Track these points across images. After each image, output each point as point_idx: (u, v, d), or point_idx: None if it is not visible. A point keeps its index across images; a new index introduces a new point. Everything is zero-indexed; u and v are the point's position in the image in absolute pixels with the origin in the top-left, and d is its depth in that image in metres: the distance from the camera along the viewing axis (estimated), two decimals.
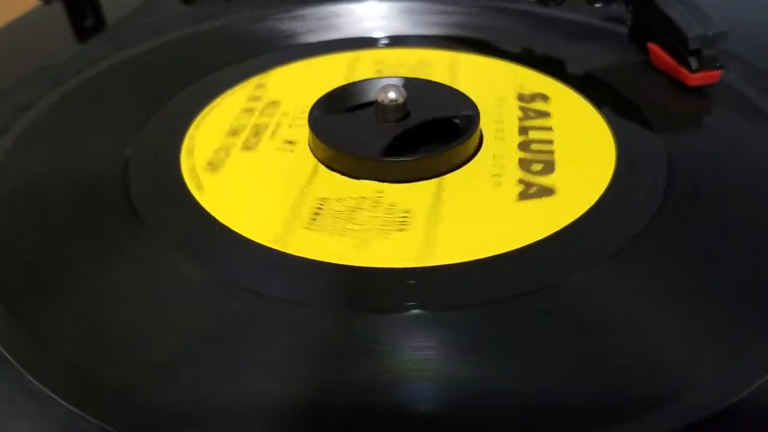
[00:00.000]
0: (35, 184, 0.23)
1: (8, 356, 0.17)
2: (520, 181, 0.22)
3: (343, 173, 0.23)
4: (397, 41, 0.31)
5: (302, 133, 0.25)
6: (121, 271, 0.20)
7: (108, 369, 0.17)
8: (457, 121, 0.24)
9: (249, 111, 0.27)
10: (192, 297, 0.19)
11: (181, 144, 0.25)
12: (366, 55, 0.30)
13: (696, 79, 0.26)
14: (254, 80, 0.29)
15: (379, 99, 0.24)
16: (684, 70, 0.26)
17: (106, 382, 0.17)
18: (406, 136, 0.24)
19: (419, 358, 0.17)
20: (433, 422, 0.16)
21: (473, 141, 0.24)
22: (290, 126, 0.26)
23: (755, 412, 0.16)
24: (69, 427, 0.16)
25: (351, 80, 0.27)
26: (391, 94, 0.24)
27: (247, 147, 0.25)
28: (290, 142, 0.25)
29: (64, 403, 0.16)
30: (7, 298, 0.19)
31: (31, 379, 0.17)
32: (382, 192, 0.22)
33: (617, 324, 0.18)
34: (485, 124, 0.25)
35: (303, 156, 0.24)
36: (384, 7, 0.34)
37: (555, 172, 0.22)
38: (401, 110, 0.24)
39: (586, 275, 0.19)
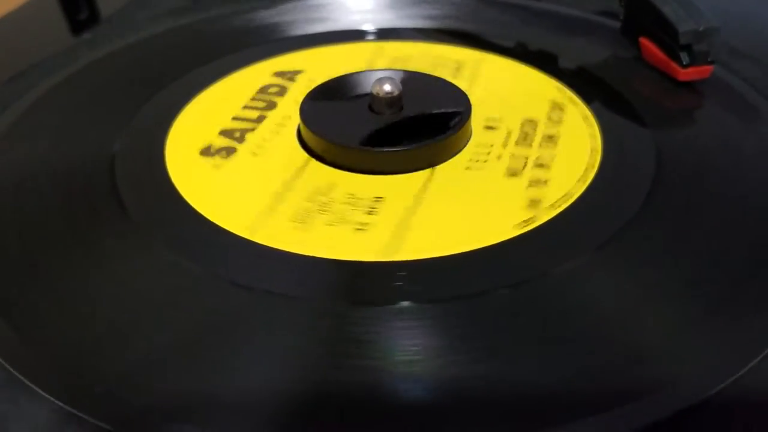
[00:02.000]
0: (22, 179, 0.23)
1: None
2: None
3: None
4: (425, 35, 0.31)
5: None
6: (96, 258, 0.20)
7: (95, 362, 0.17)
8: (447, 115, 0.24)
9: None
10: (152, 278, 0.19)
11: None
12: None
13: (687, 74, 0.26)
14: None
15: (374, 91, 0.24)
16: (675, 65, 0.26)
17: (93, 376, 0.17)
18: (396, 129, 0.24)
19: (361, 349, 0.17)
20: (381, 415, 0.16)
21: (458, 136, 0.24)
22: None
23: (740, 401, 0.16)
24: (61, 424, 0.16)
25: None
26: (387, 87, 0.24)
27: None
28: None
29: (55, 401, 0.16)
30: None
31: (20, 377, 0.17)
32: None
33: (573, 320, 0.18)
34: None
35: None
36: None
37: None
38: (395, 103, 0.24)
39: (559, 271, 0.19)
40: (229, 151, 0.24)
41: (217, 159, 0.24)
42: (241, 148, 0.24)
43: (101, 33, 0.33)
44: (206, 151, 0.24)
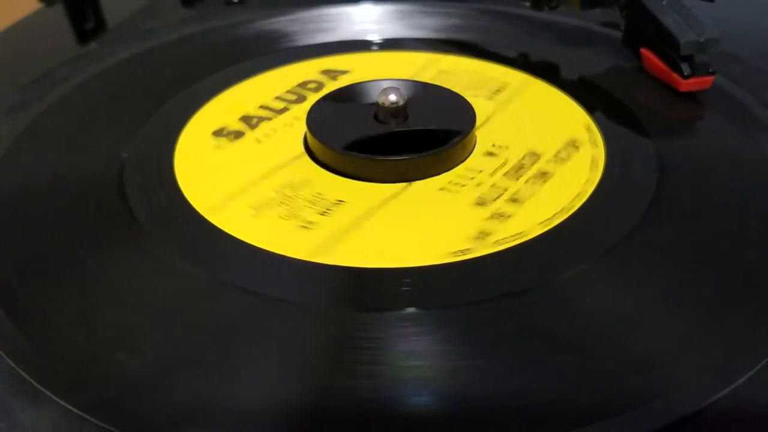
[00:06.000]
0: (31, 186, 0.24)
1: (6, 357, 0.18)
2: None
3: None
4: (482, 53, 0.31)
5: None
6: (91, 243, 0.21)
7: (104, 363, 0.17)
8: (448, 133, 0.24)
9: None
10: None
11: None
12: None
13: (688, 85, 0.26)
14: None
15: (380, 100, 0.24)
16: (676, 76, 0.26)
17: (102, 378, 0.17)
18: (392, 139, 0.24)
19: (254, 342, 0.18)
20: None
21: (437, 157, 0.23)
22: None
23: (741, 409, 0.16)
24: (69, 427, 0.16)
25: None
26: (392, 97, 0.24)
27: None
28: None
29: (64, 404, 0.16)
30: (4, 299, 0.19)
31: (29, 379, 0.17)
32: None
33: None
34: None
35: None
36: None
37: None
38: (400, 113, 0.24)
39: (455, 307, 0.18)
40: (238, 135, 0.26)
41: (223, 140, 0.25)
42: (250, 134, 0.26)
43: (108, 42, 0.33)
44: (218, 132, 0.26)
